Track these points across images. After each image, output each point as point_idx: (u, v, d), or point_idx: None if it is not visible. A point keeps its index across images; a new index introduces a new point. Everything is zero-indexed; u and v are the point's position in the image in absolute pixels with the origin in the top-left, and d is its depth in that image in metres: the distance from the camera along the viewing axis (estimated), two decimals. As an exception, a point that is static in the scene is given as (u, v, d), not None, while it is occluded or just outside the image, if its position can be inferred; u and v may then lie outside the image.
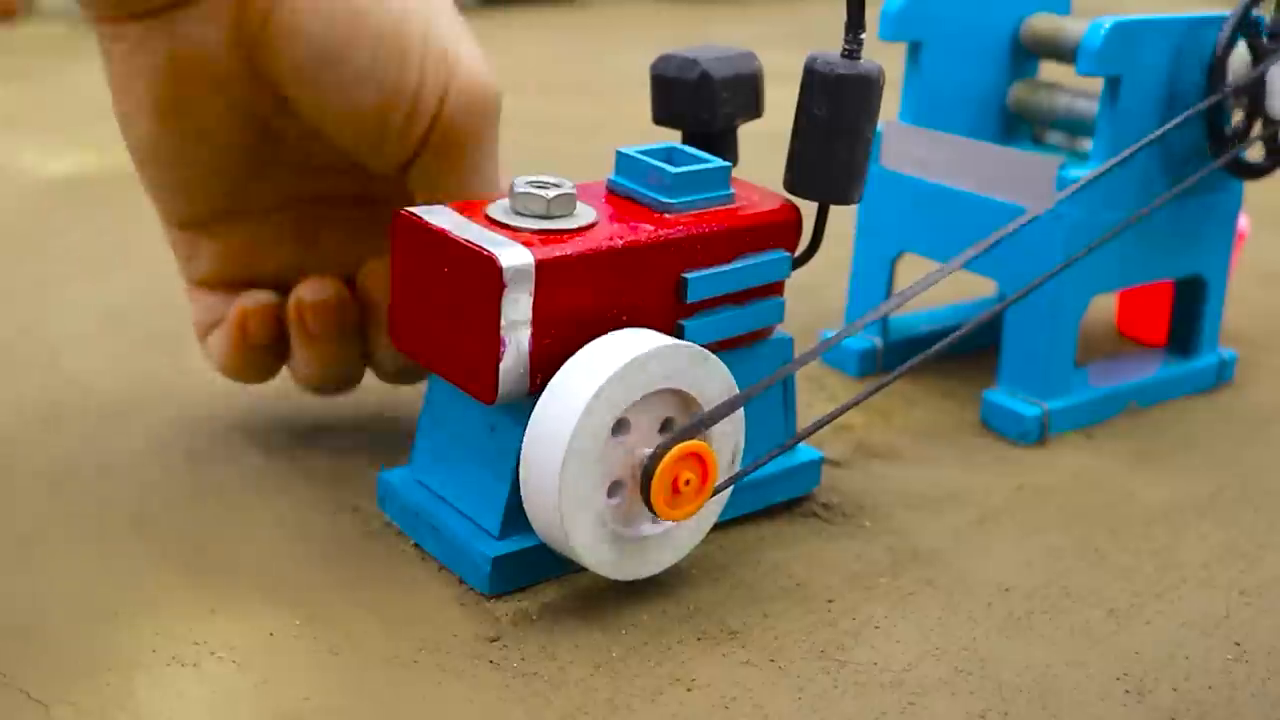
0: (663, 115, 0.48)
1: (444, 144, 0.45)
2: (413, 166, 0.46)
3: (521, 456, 0.41)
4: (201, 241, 0.49)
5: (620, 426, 0.41)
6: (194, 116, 0.45)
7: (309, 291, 0.48)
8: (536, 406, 0.40)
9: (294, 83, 0.44)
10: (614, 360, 0.40)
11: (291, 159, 0.48)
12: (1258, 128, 0.58)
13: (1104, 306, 0.72)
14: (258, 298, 0.49)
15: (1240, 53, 0.57)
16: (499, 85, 0.46)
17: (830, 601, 0.44)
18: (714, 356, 0.42)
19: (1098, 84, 0.56)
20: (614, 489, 0.41)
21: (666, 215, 0.44)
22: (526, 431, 0.40)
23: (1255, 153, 0.61)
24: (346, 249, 0.50)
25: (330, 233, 0.50)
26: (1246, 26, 0.56)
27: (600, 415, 0.40)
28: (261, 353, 0.50)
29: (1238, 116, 0.58)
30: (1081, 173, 0.55)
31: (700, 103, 0.47)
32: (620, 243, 0.42)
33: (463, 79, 0.45)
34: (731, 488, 0.44)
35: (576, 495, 0.40)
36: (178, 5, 0.43)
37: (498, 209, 0.43)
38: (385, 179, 0.47)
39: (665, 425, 0.42)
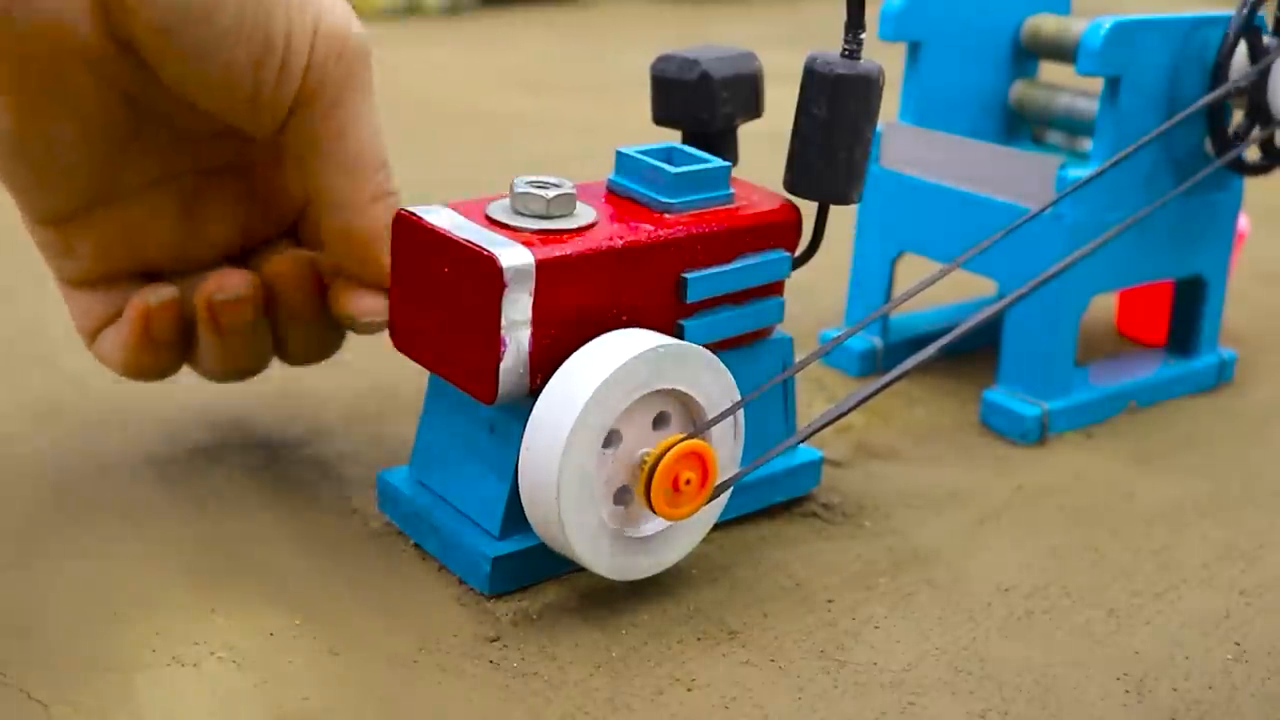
0: (663, 115, 0.48)
1: (319, 94, 0.43)
2: (290, 124, 0.44)
3: (520, 458, 0.41)
4: (75, 237, 0.46)
5: (622, 427, 0.41)
6: (59, 96, 0.42)
7: (221, 288, 0.46)
8: (534, 408, 0.40)
9: (158, 45, 0.41)
10: (611, 361, 0.40)
11: (162, 132, 0.45)
12: (1257, 129, 0.58)
13: (1104, 306, 0.72)
14: (160, 294, 0.46)
15: (1240, 52, 0.57)
16: (367, 39, 0.44)
17: (830, 601, 0.44)
18: (714, 357, 0.42)
19: (1098, 84, 0.56)
20: (611, 489, 0.41)
21: (666, 215, 0.44)
22: (525, 433, 0.40)
23: (1255, 151, 0.61)
24: (229, 224, 0.48)
25: (210, 208, 0.48)
26: (1252, 26, 0.56)
27: (598, 415, 0.40)
28: (166, 348, 0.47)
29: (1239, 116, 0.58)
30: (1081, 173, 0.55)
31: (700, 103, 0.47)
32: (620, 243, 0.42)
33: (328, 22, 0.43)
34: (731, 488, 0.44)
35: (575, 496, 0.40)
36: None
37: (498, 209, 0.43)
38: (258, 146, 0.46)
39: (658, 421, 0.42)
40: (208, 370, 0.49)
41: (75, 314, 0.48)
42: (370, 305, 0.47)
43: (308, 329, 0.49)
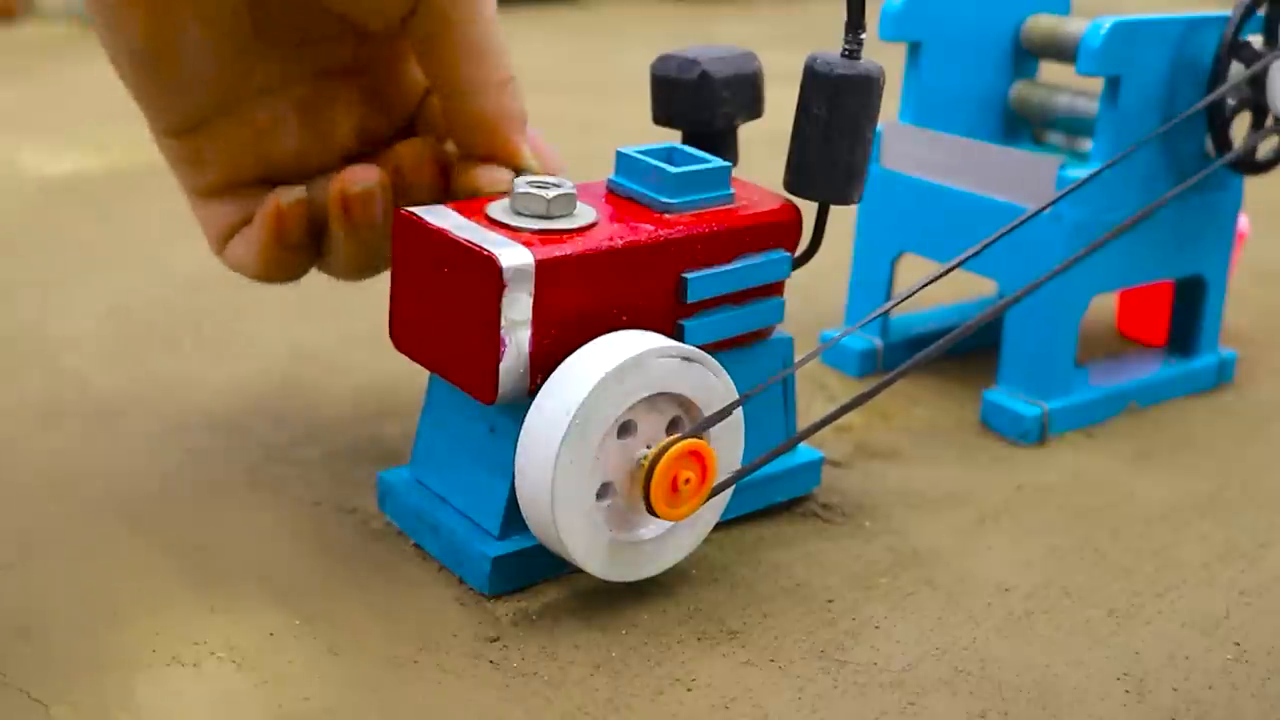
0: (663, 115, 0.48)
1: None
2: (418, 12, 0.44)
3: (516, 459, 0.41)
4: (204, 147, 0.47)
5: (619, 428, 0.41)
6: (190, 5, 0.43)
7: (353, 180, 0.46)
8: (531, 408, 0.40)
9: None
10: (609, 361, 0.40)
11: (282, 35, 0.46)
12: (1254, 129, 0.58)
13: (1104, 306, 0.72)
14: (291, 193, 0.47)
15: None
16: None
17: (830, 601, 0.44)
18: (711, 358, 0.42)
19: (1098, 84, 0.56)
20: (608, 491, 0.41)
21: (666, 215, 0.44)
22: (521, 433, 0.40)
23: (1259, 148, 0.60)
24: (348, 126, 0.49)
25: (331, 111, 0.48)
26: (1266, 19, 0.56)
27: (596, 417, 0.40)
28: (297, 248, 0.48)
29: (1239, 115, 0.58)
30: (1081, 173, 0.55)
31: (700, 103, 0.47)
32: (620, 243, 0.42)
33: None
34: (731, 488, 0.44)
35: (571, 498, 0.40)
36: None
37: (498, 209, 0.43)
38: (375, 46, 0.46)
39: (657, 422, 0.42)
40: (340, 268, 0.49)
41: (205, 223, 0.49)
42: (497, 176, 0.47)
43: None
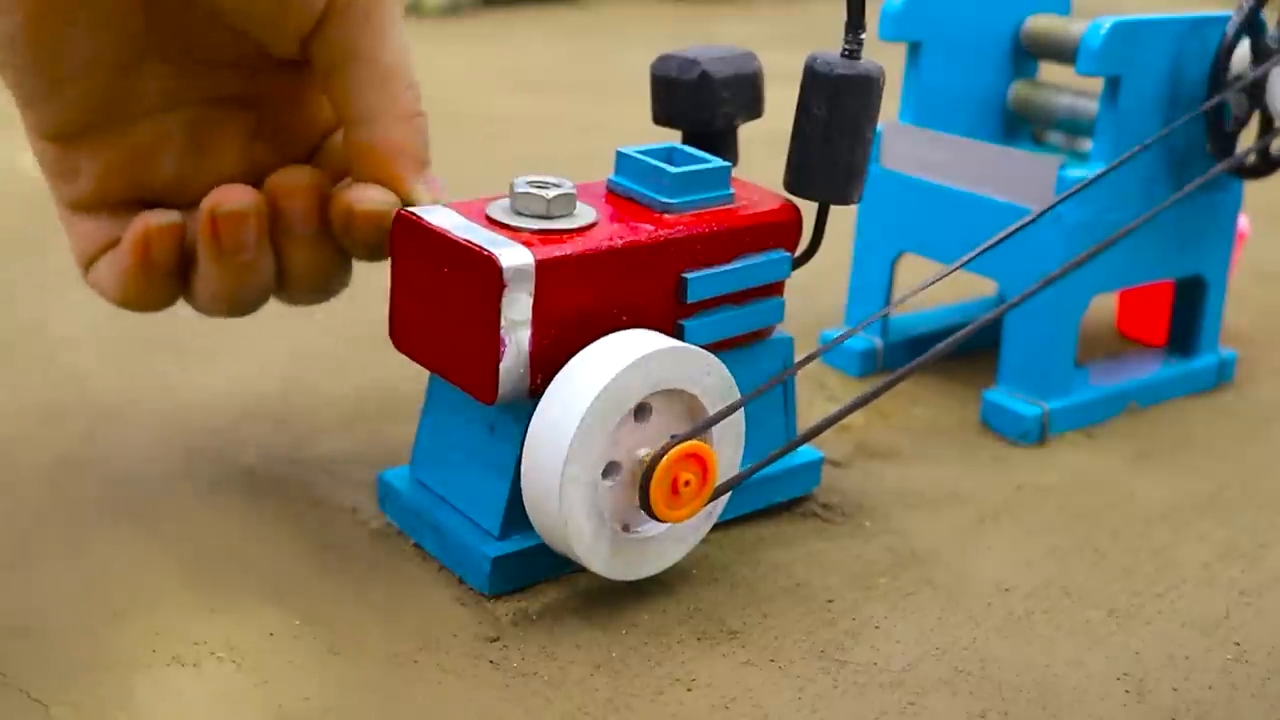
0: (663, 115, 0.48)
1: (349, 3, 0.43)
2: (320, 35, 0.43)
3: (523, 459, 0.41)
4: (80, 157, 0.45)
5: (620, 427, 0.41)
6: (77, 1, 0.41)
7: (224, 200, 0.44)
8: (538, 408, 0.40)
9: None
10: (616, 362, 0.40)
11: (174, 54, 0.44)
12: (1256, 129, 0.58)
13: (1104, 306, 0.72)
14: (161, 217, 0.45)
15: (1241, 53, 0.57)
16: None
17: (830, 601, 0.44)
18: (713, 357, 0.42)
19: (1098, 84, 0.56)
20: (615, 489, 0.41)
21: (666, 215, 0.44)
22: (528, 433, 0.40)
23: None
24: (237, 157, 0.47)
25: (219, 139, 0.47)
26: (1252, 27, 0.56)
27: (601, 417, 0.40)
28: (164, 276, 0.46)
29: (1239, 116, 0.58)
30: (1081, 173, 0.55)
31: (700, 103, 0.47)
32: (620, 243, 0.42)
33: None
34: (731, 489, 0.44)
35: (577, 498, 0.40)
36: None
37: (498, 209, 0.43)
38: (275, 77, 0.45)
39: (658, 422, 0.42)
40: (206, 300, 0.47)
41: (73, 240, 0.47)
42: (371, 194, 0.45)
43: (311, 249, 0.47)
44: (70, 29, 0.42)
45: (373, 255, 0.46)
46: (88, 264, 0.47)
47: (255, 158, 0.48)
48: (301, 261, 0.47)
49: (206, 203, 0.45)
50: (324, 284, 0.48)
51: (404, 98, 0.45)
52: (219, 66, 0.46)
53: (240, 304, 0.47)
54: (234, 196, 0.45)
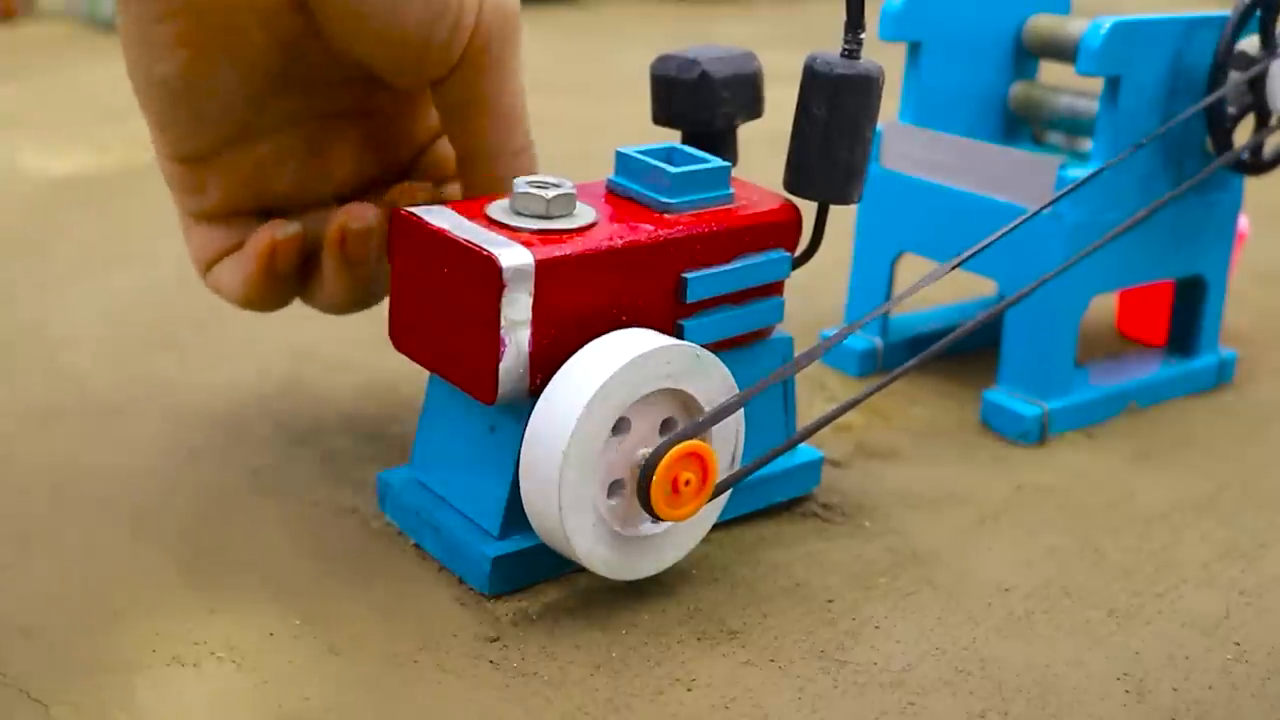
0: (663, 115, 0.48)
1: (481, 54, 0.45)
2: (453, 79, 0.46)
3: (521, 458, 0.41)
4: (209, 175, 0.48)
5: (620, 426, 0.41)
6: (227, 47, 0.44)
7: (354, 218, 0.47)
8: (536, 407, 0.40)
9: (343, 8, 0.43)
10: (614, 361, 0.40)
11: (300, 77, 0.47)
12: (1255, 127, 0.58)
13: (1104, 306, 0.72)
14: (286, 229, 0.48)
15: (1250, 41, 0.57)
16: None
17: (830, 601, 0.44)
18: (714, 356, 0.42)
19: (1098, 84, 0.56)
20: (614, 489, 0.41)
21: (666, 215, 0.44)
22: (526, 433, 0.40)
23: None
24: (351, 165, 0.50)
25: (335, 150, 0.49)
26: (1260, 21, 0.56)
27: (600, 416, 0.40)
28: (284, 282, 0.49)
29: (1238, 115, 0.58)
30: (1081, 173, 0.55)
31: (700, 103, 0.47)
32: (620, 243, 0.42)
33: None
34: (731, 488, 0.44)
35: (576, 496, 0.40)
36: None
37: (497, 209, 0.43)
38: (390, 91, 0.47)
39: (665, 426, 0.42)
40: (327, 301, 0.50)
41: (194, 246, 0.50)
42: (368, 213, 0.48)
43: None
44: (216, 75, 0.44)
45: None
46: (207, 268, 0.50)
47: (365, 165, 0.50)
48: None
49: (338, 219, 0.47)
50: None
51: (520, 134, 0.48)
52: (335, 85, 0.48)
53: (355, 305, 0.50)
54: (364, 214, 0.47)
